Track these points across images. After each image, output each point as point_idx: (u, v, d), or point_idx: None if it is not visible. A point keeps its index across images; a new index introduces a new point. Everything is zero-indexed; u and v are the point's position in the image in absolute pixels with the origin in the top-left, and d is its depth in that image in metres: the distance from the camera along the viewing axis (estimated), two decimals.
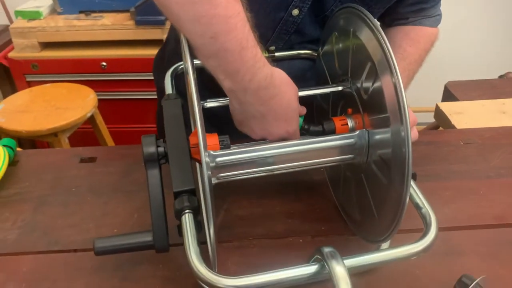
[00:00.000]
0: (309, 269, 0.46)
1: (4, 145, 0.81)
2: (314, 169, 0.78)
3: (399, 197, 0.50)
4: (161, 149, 0.54)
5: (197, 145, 0.48)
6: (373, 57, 0.52)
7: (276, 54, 0.78)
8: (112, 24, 1.91)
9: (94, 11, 2.00)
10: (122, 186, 0.77)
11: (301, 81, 0.63)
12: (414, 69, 0.78)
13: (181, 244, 0.50)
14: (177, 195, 0.51)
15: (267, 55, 0.77)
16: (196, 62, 0.68)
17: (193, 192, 0.51)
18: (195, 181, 0.53)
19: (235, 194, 0.75)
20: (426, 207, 0.52)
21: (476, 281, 0.53)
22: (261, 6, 0.70)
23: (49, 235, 0.67)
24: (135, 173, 0.80)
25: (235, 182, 0.74)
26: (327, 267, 0.45)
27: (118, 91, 2.02)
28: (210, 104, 0.61)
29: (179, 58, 0.75)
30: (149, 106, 1.94)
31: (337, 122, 0.61)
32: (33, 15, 1.96)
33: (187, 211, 0.50)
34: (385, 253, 0.49)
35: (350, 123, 0.60)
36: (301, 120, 0.62)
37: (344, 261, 0.46)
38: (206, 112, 0.63)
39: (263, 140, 0.60)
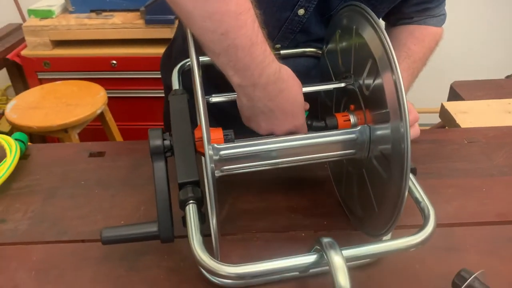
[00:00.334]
0: (308, 258, 0.48)
1: (16, 139, 0.83)
2: (318, 165, 0.80)
3: (398, 191, 0.51)
4: (167, 142, 0.56)
5: (202, 138, 0.50)
6: (374, 54, 0.53)
7: (282, 52, 0.79)
8: (122, 23, 1.94)
9: (104, 10, 2.03)
10: (129, 179, 0.79)
11: (306, 79, 0.65)
12: (418, 67, 0.79)
13: (185, 236, 0.51)
14: (181, 186, 0.52)
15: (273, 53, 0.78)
16: (202, 59, 0.70)
17: (197, 184, 0.53)
18: (200, 174, 0.54)
19: (240, 189, 0.76)
20: (425, 201, 0.53)
21: (474, 275, 0.53)
22: (267, 5, 0.72)
23: (58, 225, 0.69)
24: (142, 167, 0.82)
25: (240, 177, 0.76)
26: (325, 257, 0.46)
27: (127, 89, 2.05)
28: (215, 99, 0.63)
29: (186, 56, 0.77)
30: (157, 104, 1.95)
31: (340, 118, 0.62)
32: (45, 14, 2.00)
33: (191, 201, 0.51)
34: (383, 245, 0.50)
35: (352, 119, 0.62)
36: (305, 114, 0.63)
37: (343, 251, 0.47)
38: (213, 109, 0.65)
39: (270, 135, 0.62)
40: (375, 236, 0.60)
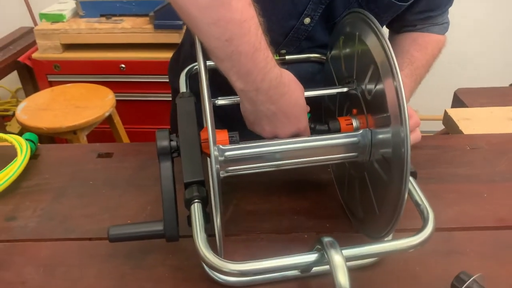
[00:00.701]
0: (309, 257, 0.49)
1: (26, 139, 0.85)
2: (321, 168, 0.81)
3: (398, 193, 0.52)
4: (173, 143, 0.57)
5: (208, 139, 0.51)
6: (376, 60, 0.55)
7: (287, 57, 0.80)
8: (132, 27, 1.97)
9: (114, 15, 2.07)
10: (136, 180, 0.80)
11: (310, 84, 0.66)
12: (421, 74, 0.80)
13: (190, 236, 0.52)
14: (187, 185, 0.54)
15: (277, 58, 0.80)
16: (209, 63, 0.72)
17: (202, 183, 0.54)
18: (205, 174, 0.56)
19: (245, 190, 0.77)
20: (425, 204, 0.54)
21: (473, 278, 0.54)
22: (274, 14, 0.73)
23: (66, 223, 0.71)
24: (149, 169, 0.83)
25: (245, 179, 0.77)
26: (326, 256, 0.47)
27: (135, 92, 2.07)
28: (221, 101, 0.64)
29: (193, 60, 0.79)
30: (164, 108, 1.98)
31: (342, 121, 0.63)
32: (56, 18, 2.03)
33: (196, 200, 0.53)
34: (383, 245, 0.52)
35: (355, 123, 0.63)
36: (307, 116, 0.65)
37: (343, 251, 0.48)
38: (218, 111, 0.66)
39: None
40: (376, 238, 0.61)
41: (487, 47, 2.47)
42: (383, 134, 0.55)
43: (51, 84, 2.06)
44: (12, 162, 0.79)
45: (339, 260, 0.46)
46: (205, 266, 0.60)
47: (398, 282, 0.61)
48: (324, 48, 0.78)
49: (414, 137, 0.73)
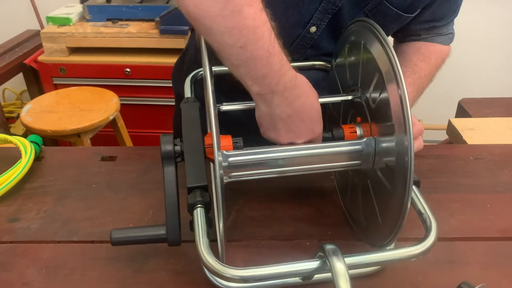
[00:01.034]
0: (311, 264, 0.49)
1: (31, 141, 0.86)
2: (324, 176, 0.81)
3: (401, 202, 0.52)
4: (177, 148, 0.58)
5: (212, 145, 0.52)
6: (381, 69, 0.55)
7: (292, 64, 0.80)
8: (138, 32, 1.98)
9: (120, 19, 2.08)
10: (139, 184, 0.81)
11: None
12: (423, 84, 0.80)
13: (192, 241, 0.53)
14: (190, 190, 0.54)
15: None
16: (214, 69, 0.72)
17: (206, 188, 0.54)
18: (209, 180, 0.56)
19: (247, 196, 0.77)
20: (427, 213, 0.54)
21: None
22: (280, 22, 0.74)
23: (69, 226, 0.71)
24: (152, 172, 0.83)
25: (247, 185, 0.78)
26: (328, 263, 0.47)
27: (140, 96, 2.08)
28: (225, 107, 0.64)
29: (198, 66, 0.79)
30: (168, 113, 1.97)
31: (346, 129, 0.63)
32: (63, 21, 2.05)
33: (199, 205, 0.53)
34: (385, 254, 0.52)
35: (358, 131, 0.63)
36: None
37: (345, 258, 0.48)
38: (222, 118, 0.67)
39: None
40: (378, 247, 0.61)
41: (492, 57, 2.48)
42: (387, 143, 0.55)
43: (56, 87, 2.07)
44: (16, 163, 0.80)
45: (341, 268, 0.46)
46: (206, 271, 0.60)
47: None
48: (329, 57, 0.79)
49: (416, 145, 0.73)
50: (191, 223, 0.54)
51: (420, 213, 0.55)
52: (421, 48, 0.83)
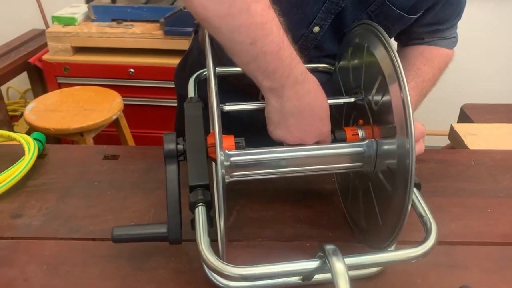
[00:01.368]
0: (311, 264, 0.49)
1: (34, 139, 0.86)
2: (325, 178, 0.81)
3: (402, 204, 0.52)
4: (180, 147, 0.58)
5: (214, 144, 0.52)
6: (384, 72, 0.55)
7: None
8: (142, 33, 1.99)
9: (125, 20, 2.09)
10: (141, 183, 0.81)
11: None
12: (427, 87, 0.80)
13: (193, 240, 0.53)
14: (192, 188, 0.54)
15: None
16: (218, 69, 0.73)
17: (207, 187, 0.55)
18: (210, 180, 0.56)
19: (248, 197, 0.78)
20: (428, 215, 0.54)
21: None
22: (283, 22, 0.74)
23: (71, 223, 0.71)
24: (154, 172, 0.84)
25: (249, 186, 0.78)
26: (328, 263, 0.47)
27: (143, 97, 2.09)
28: (228, 107, 0.65)
29: (200, 67, 0.80)
30: (171, 113, 1.98)
31: (348, 131, 0.64)
32: (68, 21, 2.06)
33: (200, 204, 0.53)
34: (385, 255, 0.52)
35: (360, 133, 0.63)
36: None
37: (345, 259, 0.48)
38: (226, 120, 0.67)
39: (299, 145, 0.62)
40: (378, 249, 0.61)
41: (494, 63, 2.48)
42: (388, 145, 0.56)
43: (60, 86, 2.08)
44: (19, 160, 0.80)
45: (341, 268, 0.46)
46: (206, 270, 0.61)
47: None
48: (332, 58, 0.79)
49: (418, 148, 0.73)
50: (193, 222, 0.54)
51: (420, 216, 0.56)
52: (425, 51, 0.84)
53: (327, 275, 0.49)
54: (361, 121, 0.64)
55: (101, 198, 0.77)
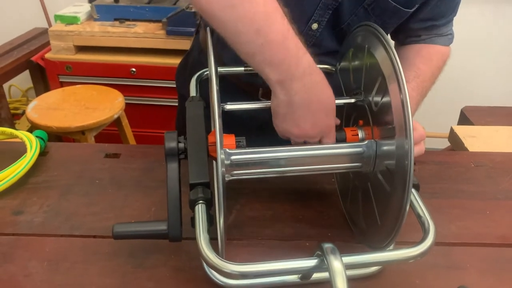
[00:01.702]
0: (309, 262, 0.49)
1: (36, 136, 0.87)
2: (325, 178, 0.82)
3: (400, 204, 0.53)
4: (181, 145, 0.59)
5: (215, 143, 0.53)
6: (384, 73, 0.56)
7: None
8: (144, 32, 2.00)
9: (128, 20, 2.09)
10: (142, 181, 0.81)
11: None
12: (427, 87, 0.81)
13: (193, 238, 0.53)
14: (192, 186, 0.55)
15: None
16: (220, 69, 0.73)
17: (208, 185, 0.55)
18: (211, 178, 0.57)
19: (248, 196, 0.78)
20: (426, 216, 0.55)
21: None
22: (287, 13, 0.75)
23: (72, 220, 0.72)
24: (155, 171, 0.84)
25: (249, 186, 0.78)
26: (325, 261, 0.48)
27: (145, 96, 2.09)
28: (229, 106, 0.65)
29: (201, 67, 0.80)
30: (173, 113, 1.99)
31: (348, 132, 0.64)
32: (71, 20, 2.06)
33: (200, 201, 0.54)
34: (383, 254, 0.52)
35: (360, 134, 0.64)
36: None
37: (343, 258, 0.48)
38: (227, 119, 0.67)
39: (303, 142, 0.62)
40: (377, 249, 0.61)
41: (495, 65, 2.48)
42: (388, 146, 0.56)
43: (62, 84, 2.09)
44: (21, 158, 0.81)
45: (338, 267, 0.47)
46: (206, 268, 0.61)
47: None
48: (330, 56, 0.79)
49: (417, 150, 0.73)
50: (193, 219, 0.55)
51: (418, 216, 0.56)
52: (422, 50, 0.84)
53: (326, 274, 0.49)
54: (361, 122, 0.65)
55: (102, 196, 0.78)
